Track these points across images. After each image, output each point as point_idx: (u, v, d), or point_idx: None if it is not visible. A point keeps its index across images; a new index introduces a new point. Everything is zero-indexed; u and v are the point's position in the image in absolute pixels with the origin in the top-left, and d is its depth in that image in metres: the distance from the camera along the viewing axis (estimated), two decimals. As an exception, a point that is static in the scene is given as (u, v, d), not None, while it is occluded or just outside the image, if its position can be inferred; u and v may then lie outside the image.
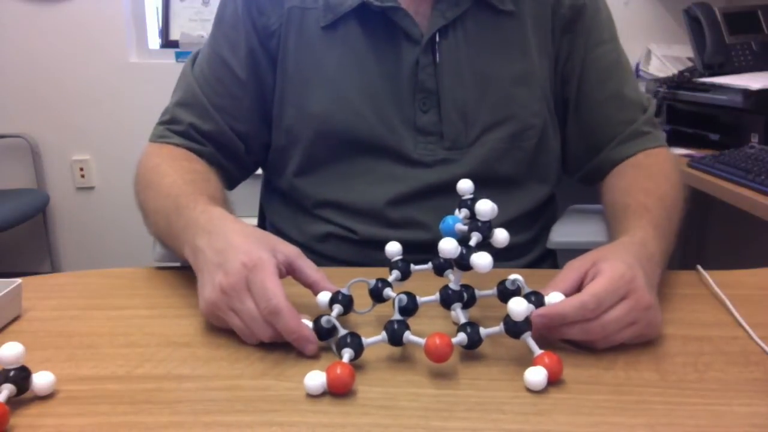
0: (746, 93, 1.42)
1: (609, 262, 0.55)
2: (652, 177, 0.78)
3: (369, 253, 0.80)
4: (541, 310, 0.52)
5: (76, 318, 0.62)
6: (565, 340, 0.55)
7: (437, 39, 0.79)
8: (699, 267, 0.72)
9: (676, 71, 1.89)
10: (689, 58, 2.03)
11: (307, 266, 0.59)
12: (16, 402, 0.47)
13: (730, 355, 0.55)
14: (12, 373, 0.47)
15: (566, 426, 0.45)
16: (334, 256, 0.83)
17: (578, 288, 0.56)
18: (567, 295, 0.55)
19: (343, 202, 0.82)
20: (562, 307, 0.52)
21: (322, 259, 0.84)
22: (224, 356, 0.54)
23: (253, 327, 0.54)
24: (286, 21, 0.80)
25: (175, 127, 0.81)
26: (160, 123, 0.83)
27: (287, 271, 0.59)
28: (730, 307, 0.63)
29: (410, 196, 0.81)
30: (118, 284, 0.70)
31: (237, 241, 0.57)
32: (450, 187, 0.73)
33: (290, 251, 0.59)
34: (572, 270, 0.58)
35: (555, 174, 0.89)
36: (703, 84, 1.60)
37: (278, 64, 0.81)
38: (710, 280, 0.68)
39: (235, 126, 0.82)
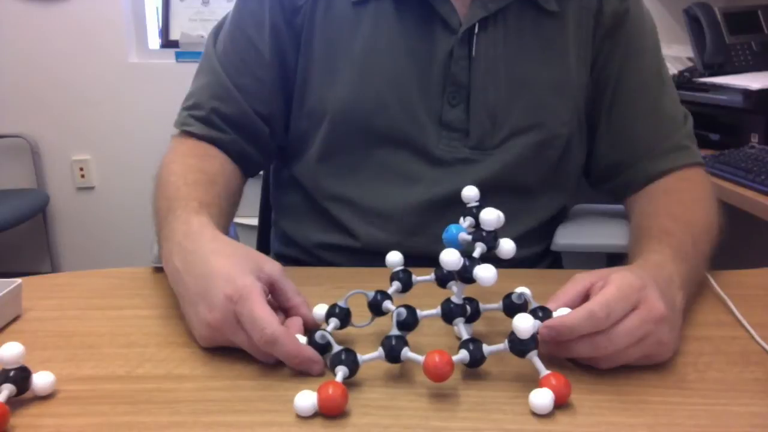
0: (746, 93, 1.42)
1: (618, 273, 0.52)
2: (682, 202, 0.74)
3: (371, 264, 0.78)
4: (549, 322, 0.49)
5: (76, 318, 0.62)
6: (569, 359, 0.52)
7: (476, 31, 0.75)
8: (700, 267, 0.72)
9: (676, 71, 1.89)
10: (689, 58, 2.03)
11: (289, 288, 0.57)
12: (16, 402, 0.47)
13: (730, 355, 0.55)
14: (12, 373, 0.46)
15: (566, 426, 0.45)
16: (337, 265, 0.81)
17: (583, 301, 0.53)
18: (570, 307, 0.52)
19: (356, 202, 0.80)
20: (570, 318, 0.48)
21: (322, 265, 0.83)
22: (224, 356, 0.54)
23: (254, 356, 0.52)
24: None
25: (196, 113, 0.79)
26: (184, 108, 0.81)
27: (269, 290, 0.56)
28: (732, 307, 0.63)
29: (426, 204, 0.78)
30: (118, 284, 0.70)
31: (218, 266, 0.54)
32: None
33: (273, 270, 0.56)
34: (577, 282, 0.55)
35: (573, 185, 0.86)
36: (703, 84, 1.60)
37: (302, 43, 0.78)
38: (712, 281, 0.68)
39: (258, 108, 0.79)
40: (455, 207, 0.75)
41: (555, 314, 0.51)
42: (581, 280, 0.55)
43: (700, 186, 0.78)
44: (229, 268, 0.53)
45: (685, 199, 0.75)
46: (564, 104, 0.79)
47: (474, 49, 0.75)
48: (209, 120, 0.79)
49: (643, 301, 0.50)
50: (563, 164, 0.82)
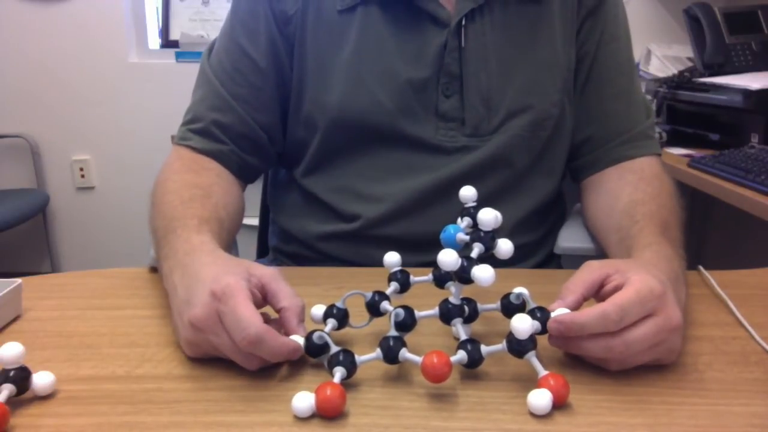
0: (746, 93, 1.42)
1: (638, 274, 0.51)
2: (666, 194, 0.75)
3: (371, 252, 0.79)
4: (559, 317, 0.48)
5: (76, 318, 0.62)
6: (574, 355, 0.52)
7: (463, 23, 0.77)
8: (701, 267, 0.72)
9: (676, 71, 1.89)
10: (689, 58, 2.03)
11: (281, 291, 0.54)
12: (16, 402, 0.47)
13: (730, 355, 0.55)
14: (12, 373, 0.46)
15: (566, 426, 0.45)
16: (337, 255, 0.83)
17: (596, 291, 0.54)
18: (584, 296, 0.53)
19: (356, 190, 0.81)
20: (581, 315, 0.48)
21: (324, 258, 0.84)
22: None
23: (236, 360, 0.50)
24: (302, 5, 0.78)
25: (195, 126, 0.79)
26: (183, 124, 0.81)
27: (262, 295, 0.55)
28: (732, 307, 0.63)
29: (426, 189, 0.79)
30: (118, 284, 0.70)
31: (205, 273, 0.53)
32: (467, 180, 0.71)
33: (264, 273, 0.55)
34: (593, 270, 0.54)
35: (562, 168, 0.87)
36: (703, 84, 1.60)
37: (295, 52, 0.80)
38: (712, 281, 0.68)
39: (256, 116, 0.80)
40: (454, 191, 0.78)
41: (553, 315, 0.50)
42: (597, 269, 0.55)
43: (665, 176, 0.80)
44: (216, 271, 0.53)
45: (667, 191, 0.76)
46: (553, 84, 0.81)
47: (464, 39, 0.78)
48: (208, 131, 0.79)
49: (662, 309, 0.50)
50: (553, 145, 0.84)
